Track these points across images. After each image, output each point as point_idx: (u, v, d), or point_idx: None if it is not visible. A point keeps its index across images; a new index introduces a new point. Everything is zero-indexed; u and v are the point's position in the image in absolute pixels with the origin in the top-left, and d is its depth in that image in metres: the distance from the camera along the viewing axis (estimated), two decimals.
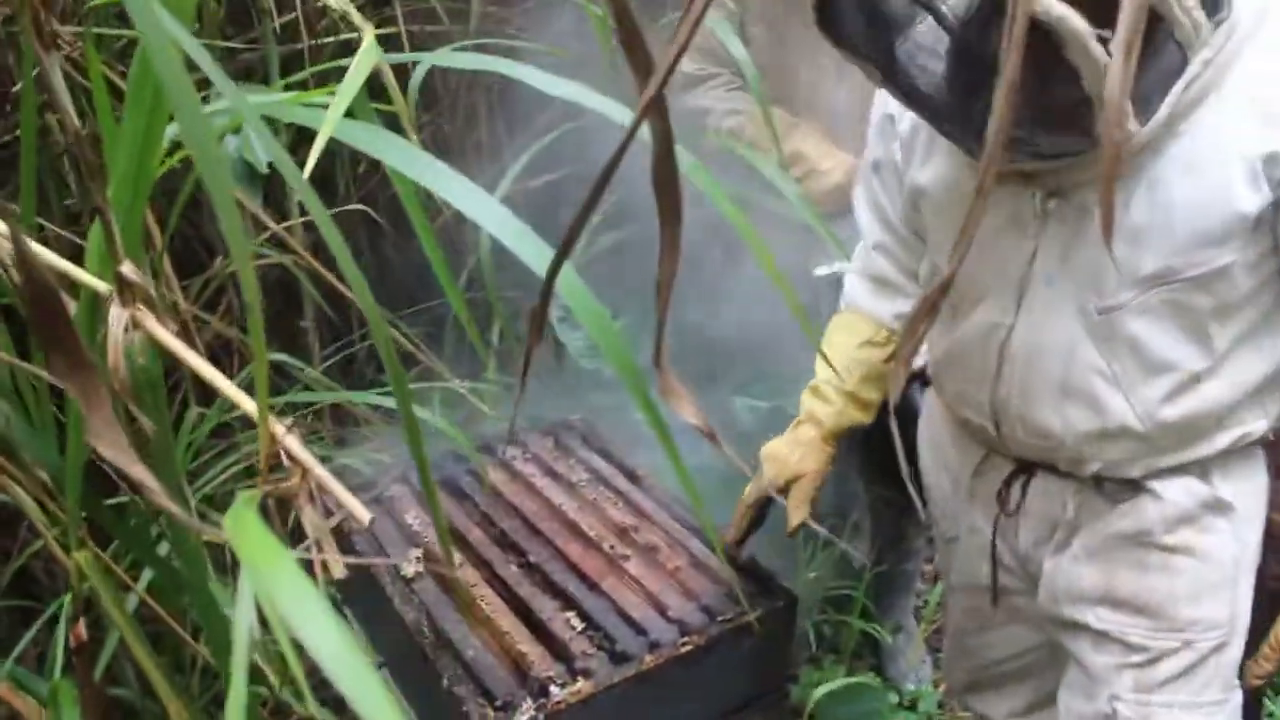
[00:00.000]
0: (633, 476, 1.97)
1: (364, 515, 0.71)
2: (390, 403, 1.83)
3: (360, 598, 1.88)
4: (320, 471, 0.73)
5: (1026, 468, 1.58)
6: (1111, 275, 1.35)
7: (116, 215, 0.97)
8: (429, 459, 2.02)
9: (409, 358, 2.79)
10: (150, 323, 0.84)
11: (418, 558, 1.73)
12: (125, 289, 0.87)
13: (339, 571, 0.74)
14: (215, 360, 2.53)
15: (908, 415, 2.22)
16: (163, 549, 1.44)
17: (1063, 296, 1.41)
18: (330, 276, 2.45)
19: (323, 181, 2.93)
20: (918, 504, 1.40)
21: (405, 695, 1.75)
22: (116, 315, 0.86)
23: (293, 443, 0.74)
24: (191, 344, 2.08)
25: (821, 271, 1.96)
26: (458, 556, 1.74)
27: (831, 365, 1.67)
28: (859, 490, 2.71)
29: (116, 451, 0.52)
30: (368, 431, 2.66)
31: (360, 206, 2.70)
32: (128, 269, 0.86)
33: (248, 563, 0.49)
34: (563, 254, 0.71)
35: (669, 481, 1.97)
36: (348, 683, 0.45)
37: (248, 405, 0.75)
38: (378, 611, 1.73)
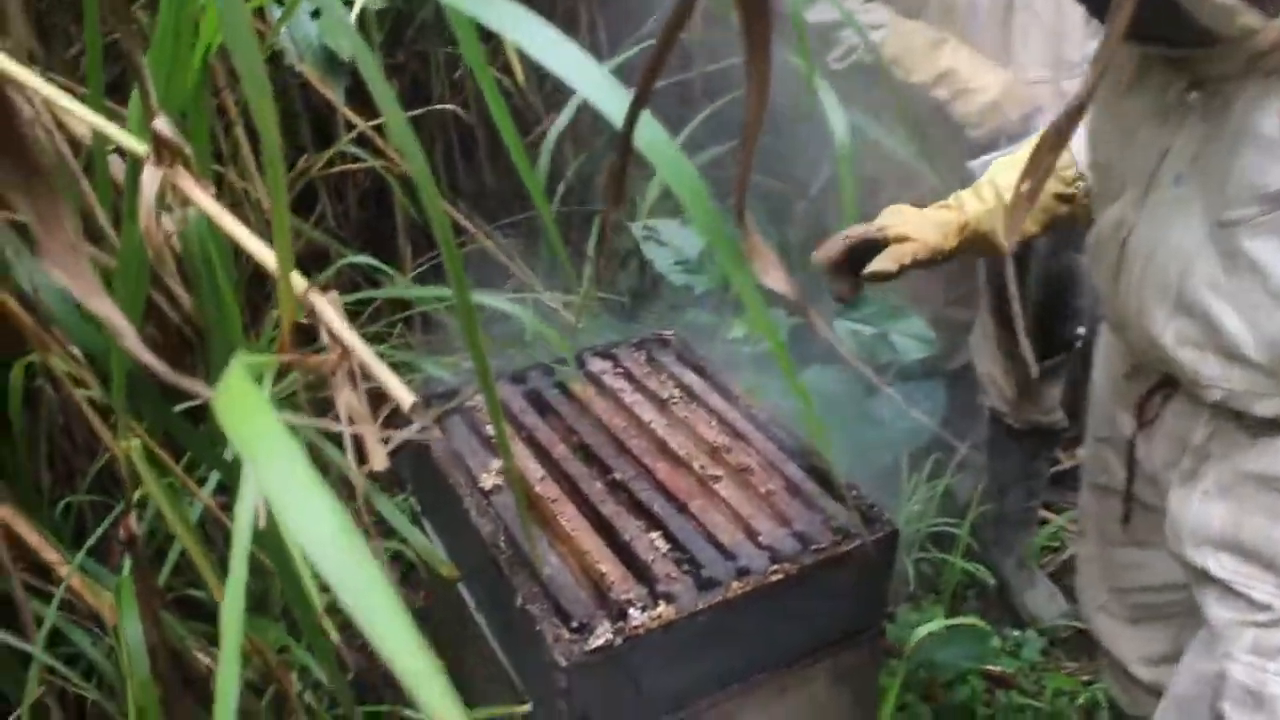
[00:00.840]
0: (727, 394, 1.85)
1: (407, 398, 0.61)
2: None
3: (438, 509, 1.82)
4: (361, 348, 0.64)
5: (1171, 382, 1.44)
6: (1237, 185, 1.22)
7: (155, 77, 0.87)
8: (517, 369, 1.94)
9: (502, 270, 2.71)
10: (185, 182, 0.75)
11: (497, 470, 1.65)
12: (161, 148, 0.78)
13: (380, 462, 0.65)
14: (305, 272, 2.47)
15: (1063, 279, 2.08)
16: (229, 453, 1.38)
17: (1188, 200, 1.29)
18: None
19: (414, 85, 2.85)
20: (1029, 360, 1.32)
21: (481, 613, 1.68)
22: (150, 176, 0.77)
23: (329, 312, 0.64)
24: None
25: (977, 163, 1.83)
26: (539, 471, 1.66)
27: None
28: (969, 426, 2.56)
29: (74, 279, 0.42)
30: (457, 342, 2.59)
31: (453, 107, 2.59)
32: (161, 125, 0.77)
33: (232, 432, 0.39)
34: (638, 104, 0.60)
35: (766, 402, 1.86)
36: (342, 578, 0.35)
37: (268, 259, 0.65)
38: (455, 524, 1.65)
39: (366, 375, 0.67)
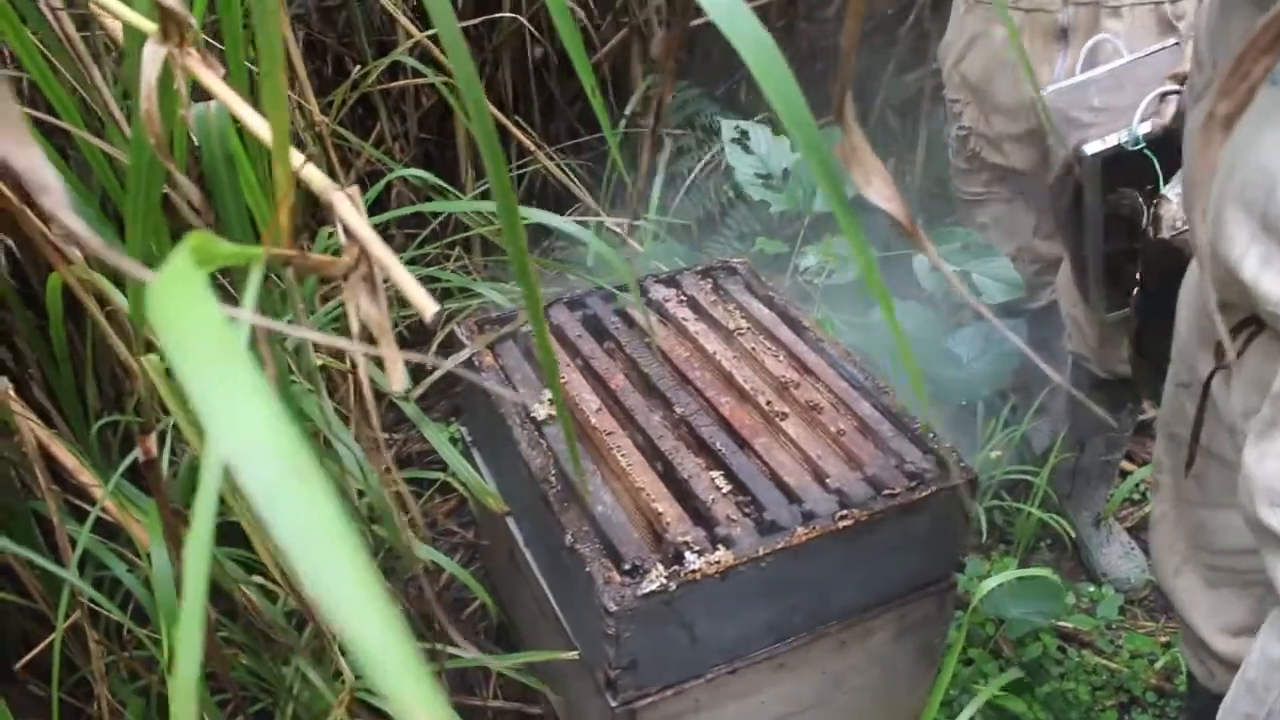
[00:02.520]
0: (798, 327, 1.74)
1: (429, 306, 0.52)
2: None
3: (489, 440, 1.74)
4: (380, 247, 0.54)
5: (1256, 320, 1.28)
6: None
7: None
8: (576, 296, 1.85)
9: (565, 193, 2.60)
10: (191, 61, 0.66)
11: (549, 399, 1.56)
12: (167, 22, 0.69)
13: (400, 383, 0.55)
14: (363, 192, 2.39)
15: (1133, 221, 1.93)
16: None
17: None
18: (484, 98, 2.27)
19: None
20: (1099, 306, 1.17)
21: (530, 549, 1.61)
22: (151, 53, 0.67)
23: (345, 206, 0.54)
24: (329, 163, 1.92)
25: (1093, 148, 1.70)
26: (594, 401, 1.57)
27: None
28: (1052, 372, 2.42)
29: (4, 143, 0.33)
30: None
31: (521, 19, 2.47)
32: None
33: (162, 328, 0.30)
34: None
35: (838, 336, 1.75)
36: (286, 522, 0.26)
37: (263, 132, 0.56)
38: (506, 456, 1.57)
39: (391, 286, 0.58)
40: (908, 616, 1.54)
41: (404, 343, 2.51)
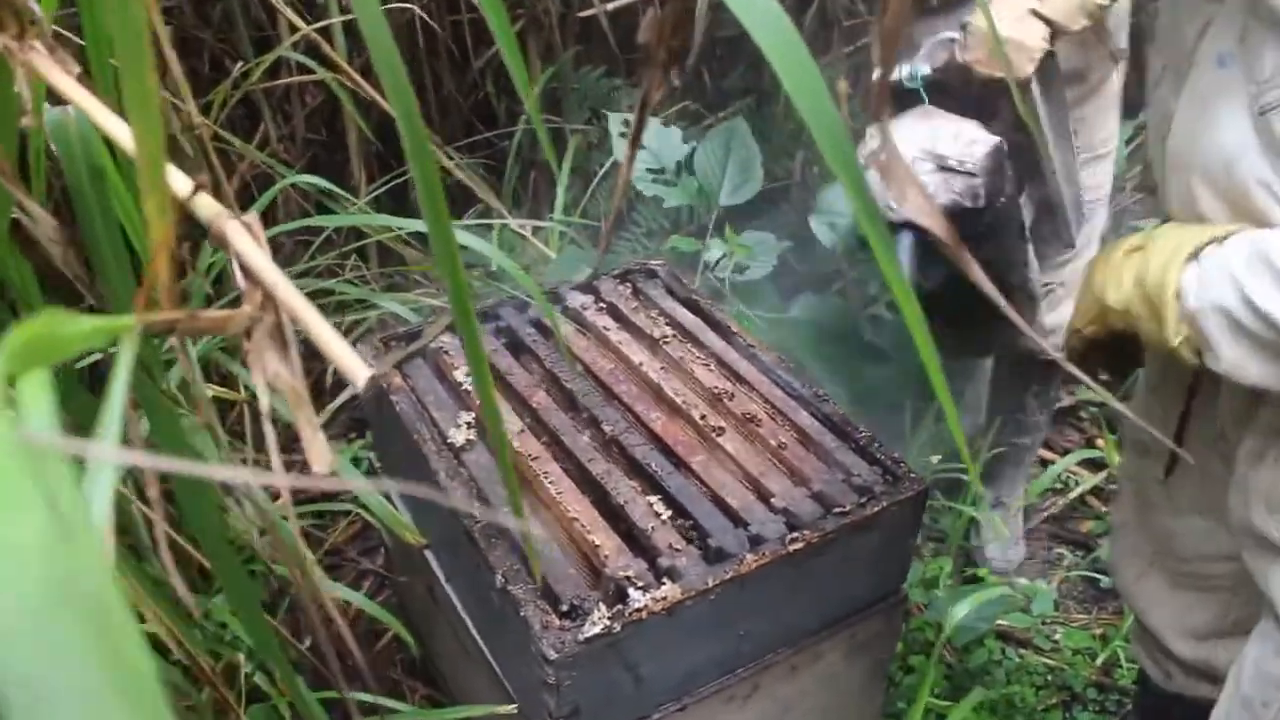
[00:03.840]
0: (725, 332, 1.65)
1: (361, 375, 0.40)
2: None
3: (402, 467, 1.60)
4: (290, 292, 0.42)
5: None
6: (1271, 61, 1.03)
7: None
8: (487, 306, 1.72)
9: (466, 194, 2.47)
10: (36, 57, 0.52)
11: (468, 423, 1.44)
12: (3, 10, 0.55)
13: (323, 461, 0.44)
14: (249, 200, 2.22)
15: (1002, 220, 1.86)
16: None
17: (1234, 85, 1.08)
18: (375, 95, 2.12)
19: None
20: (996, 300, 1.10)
21: (453, 587, 1.48)
22: None
23: (243, 240, 0.42)
24: (210, 165, 1.76)
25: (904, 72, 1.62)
26: (516, 423, 1.45)
27: None
28: (969, 362, 2.37)
29: None
30: (417, 275, 2.36)
31: (412, 6, 2.31)
32: None
33: None
34: None
35: (768, 340, 1.65)
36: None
37: (126, 140, 0.43)
38: (422, 486, 1.44)
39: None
40: (858, 635, 1.45)
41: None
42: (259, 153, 2.21)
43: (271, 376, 0.45)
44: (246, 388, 1.56)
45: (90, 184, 0.72)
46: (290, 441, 2.38)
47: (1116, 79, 1.88)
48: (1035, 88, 1.54)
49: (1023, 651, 2.08)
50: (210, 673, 1.06)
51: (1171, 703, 1.61)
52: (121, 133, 0.49)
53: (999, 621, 2.08)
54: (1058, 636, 2.12)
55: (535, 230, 2.32)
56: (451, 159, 2.44)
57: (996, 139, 1.46)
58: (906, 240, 1.44)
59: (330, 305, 2.08)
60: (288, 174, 1.99)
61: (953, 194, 1.45)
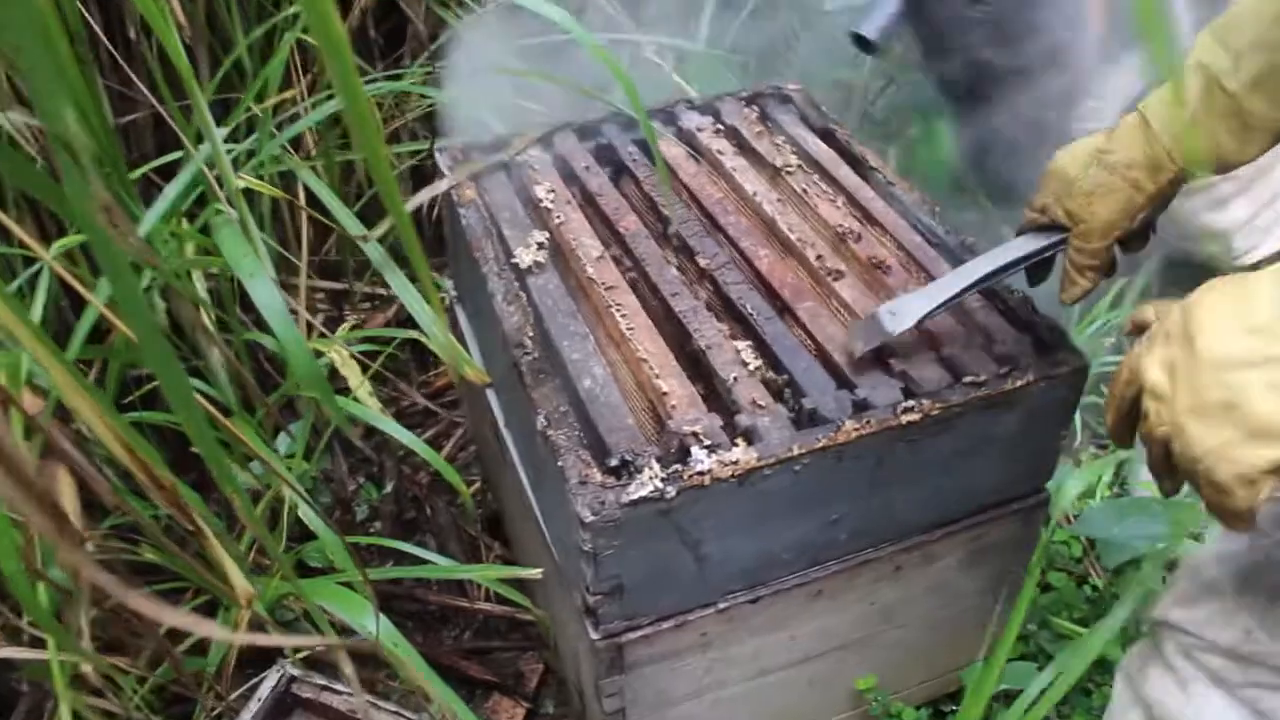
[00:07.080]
0: (862, 166, 1.37)
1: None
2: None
3: (469, 294, 1.41)
4: None
5: None
6: None
7: None
8: (589, 122, 1.49)
9: (590, 5, 2.19)
10: None
11: (540, 243, 1.22)
12: None
13: None
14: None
15: None
16: None
17: None
18: None
19: None
20: None
21: (511, 434, 1.28)
22: None
23: None
24: None
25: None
26: (595, 247, 1.22)
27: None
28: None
29: None
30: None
31: None
32: None
33: None
34: None
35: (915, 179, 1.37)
36: None
37: None
38: (485, 312, 1.24)
39: None
40: (983, 538, 1.20)
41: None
42: None
43: None
44: None
45: None
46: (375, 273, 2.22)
47: None
48: None
49: None
50: None
51: None
52: None
53: (1170, 548, 1.78)
54: None
55: (663, 49, 2.04)
56: None
57: None
58: None
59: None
60: None
61: None
